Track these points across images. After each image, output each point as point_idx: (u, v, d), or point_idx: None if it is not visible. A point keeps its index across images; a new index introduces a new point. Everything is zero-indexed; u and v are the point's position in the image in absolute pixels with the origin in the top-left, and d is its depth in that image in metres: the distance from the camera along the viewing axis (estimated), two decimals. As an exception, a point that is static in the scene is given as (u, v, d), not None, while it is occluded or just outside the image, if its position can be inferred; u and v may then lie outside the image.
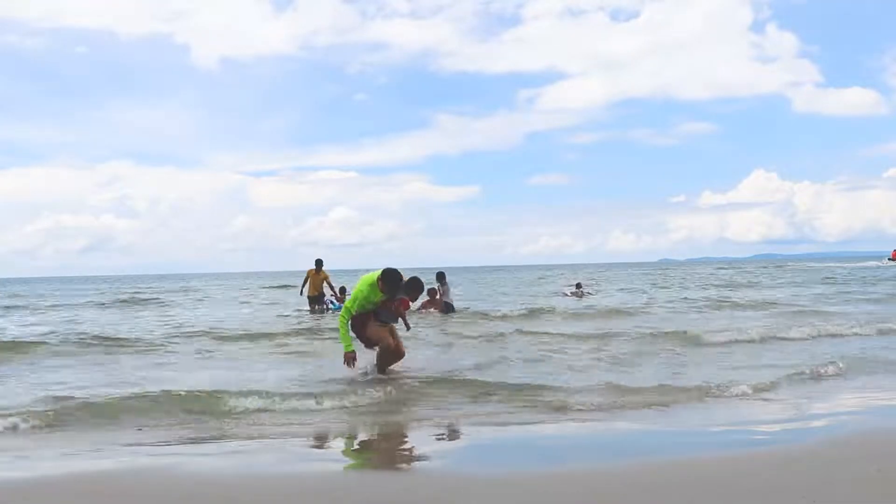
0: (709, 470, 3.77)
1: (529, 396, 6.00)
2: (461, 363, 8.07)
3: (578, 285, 26.60)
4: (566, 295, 25.13)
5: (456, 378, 6.96)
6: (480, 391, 6.28)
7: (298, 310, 18.73)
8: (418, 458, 4.46)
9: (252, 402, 5.67)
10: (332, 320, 15.91)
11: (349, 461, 4.51)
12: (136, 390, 6.20)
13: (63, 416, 5.29)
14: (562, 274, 58.42)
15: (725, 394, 5.99)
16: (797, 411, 5.53)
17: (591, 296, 24.65)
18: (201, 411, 5.52)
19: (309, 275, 18.32)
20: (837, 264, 72.51)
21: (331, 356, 8.25)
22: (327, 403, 5.76)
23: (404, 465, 4.31)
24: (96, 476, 3.89)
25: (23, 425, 5.06)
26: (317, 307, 18.41)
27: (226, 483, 3.75)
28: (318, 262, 18.36)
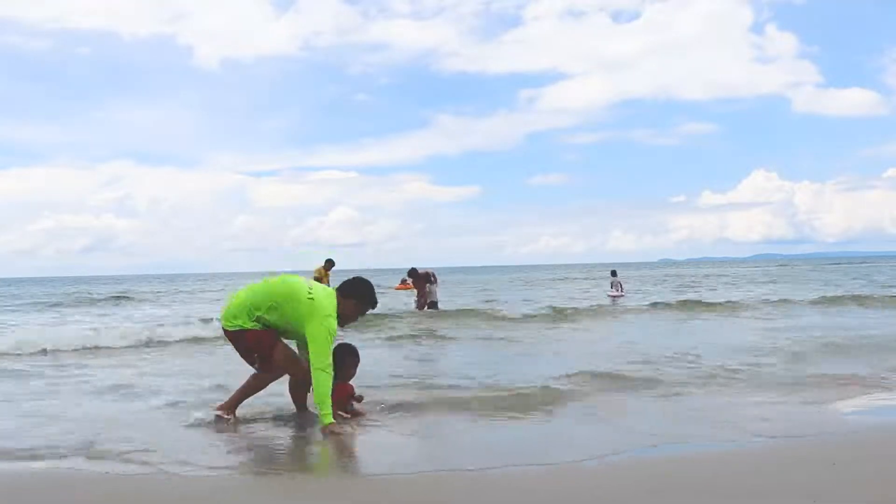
0: (710, 470, 3.77)
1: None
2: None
3: (614, 272, 26.16)
4: (610, 295, 24.20)
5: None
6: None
7: None
8: (405, 460, 4.45)
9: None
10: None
11: (332, 465, 4.41)
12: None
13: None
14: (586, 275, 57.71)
15: None
16: (797, 411, 5.53)
17: (623, 296, 23.63)
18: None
19: (320, 273, 17.47)
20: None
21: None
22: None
23: (386, 468, 4.28)
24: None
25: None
26: None
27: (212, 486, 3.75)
28: (329, 262, 17.47)
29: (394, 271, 47.36)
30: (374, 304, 5.16)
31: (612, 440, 4.52)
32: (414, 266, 18.04)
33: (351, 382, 5.32)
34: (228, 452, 4.41)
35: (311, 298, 4.82)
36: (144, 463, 4.03)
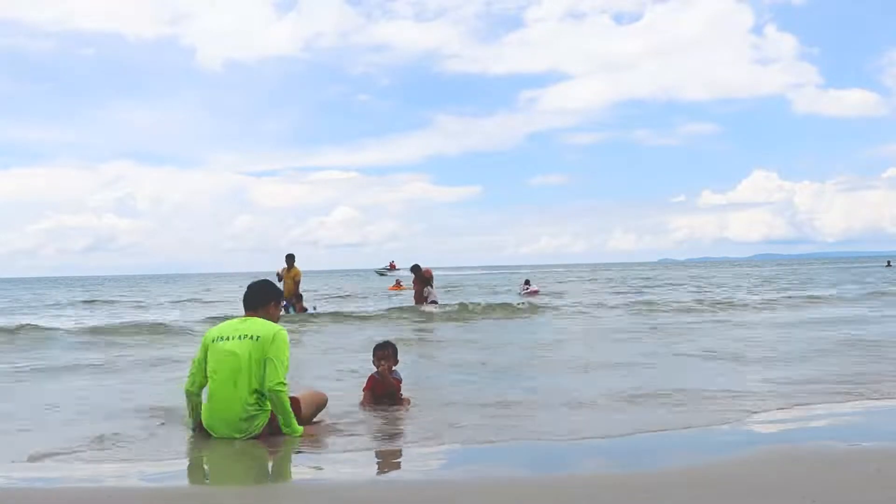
0: (709, 471, 3.77)
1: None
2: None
3: (527, 281, 29.67)
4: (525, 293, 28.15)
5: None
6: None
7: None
8: (407, 466, 4.45)
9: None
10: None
11: (333, 470, 4.35)
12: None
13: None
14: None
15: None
16: (797, 411, 5.53)
17: (539, 294, 27.04)
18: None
19: (281, 275, 15.50)
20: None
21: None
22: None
23: (391, 474, 4.28)
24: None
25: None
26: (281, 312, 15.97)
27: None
28: (289, 258, 15.58)
29: (395, 271, 47.40)
30: (279, 294, 5.06)
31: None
32: (417, 263, 17.63)
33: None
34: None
35: (257, 339, 4.59)
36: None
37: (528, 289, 28.76)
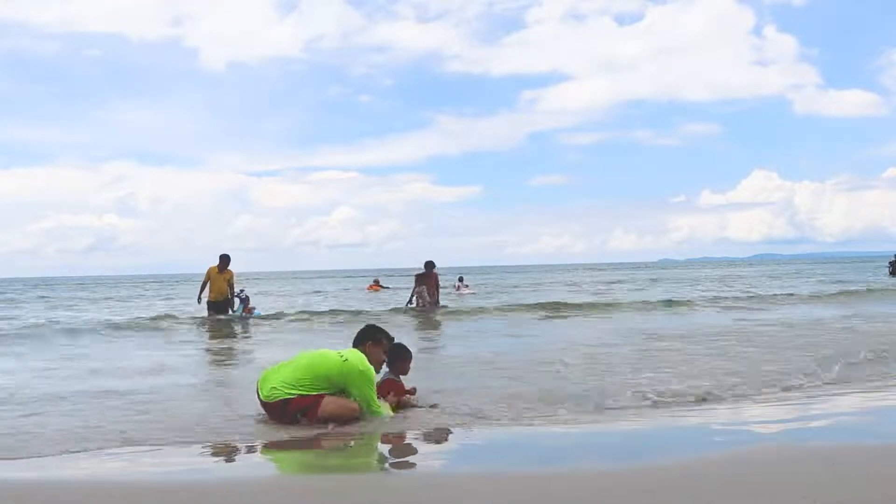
0: (709, 470, 3.77)
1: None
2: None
3: (461, 278, 29.79)
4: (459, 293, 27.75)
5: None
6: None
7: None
8: (412, 459, 4.46)
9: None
10: (243, 330, 13.34)
11: (343, 464, 4.43)
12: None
13: None
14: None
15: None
16: (797, 411, 5.53)
17: (472, 294, 26.80)
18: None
19: (210, 275, 14.65)
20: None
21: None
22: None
23: (399, 467, 4.29)
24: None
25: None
26: (219, 317, 14.66)
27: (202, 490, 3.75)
28: (224, 259, 14.69)
29: (395, 271, 47.38)
30: (389, 338, 5.54)
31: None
32: (432, 260, 16.51)
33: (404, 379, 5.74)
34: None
35: (345, 360, 5.17)
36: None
37: (460, 288, 27.96)
